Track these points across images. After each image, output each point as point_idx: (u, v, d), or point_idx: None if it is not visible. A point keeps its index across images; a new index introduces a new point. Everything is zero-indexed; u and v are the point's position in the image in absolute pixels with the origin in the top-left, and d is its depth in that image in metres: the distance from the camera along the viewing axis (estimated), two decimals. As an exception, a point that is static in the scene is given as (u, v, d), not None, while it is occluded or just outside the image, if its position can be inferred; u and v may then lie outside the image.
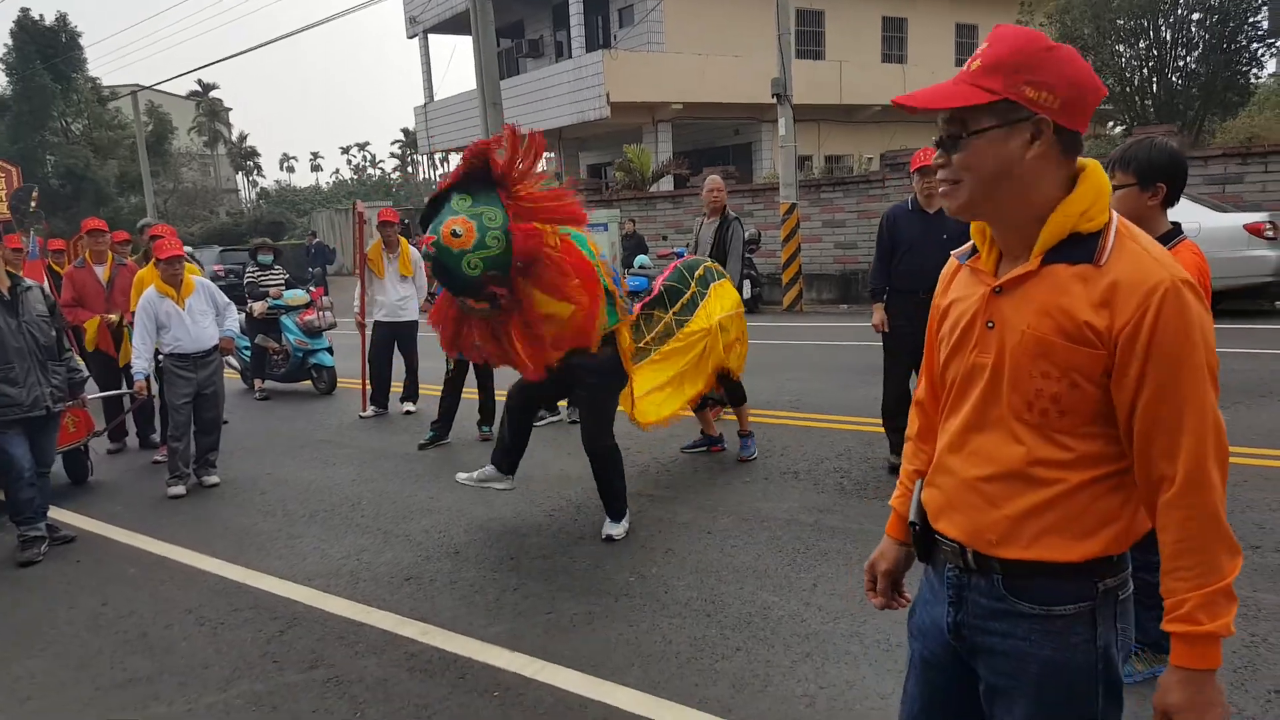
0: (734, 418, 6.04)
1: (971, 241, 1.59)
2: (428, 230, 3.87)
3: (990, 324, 1.49)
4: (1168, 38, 17.42)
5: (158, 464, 6.90)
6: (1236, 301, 10.82)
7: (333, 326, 9.70)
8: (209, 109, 59.17)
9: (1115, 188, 2.79)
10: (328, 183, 63.44)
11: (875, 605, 1.81)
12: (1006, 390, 1.47)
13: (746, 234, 7.64)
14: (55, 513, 5.52)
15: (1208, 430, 1.35)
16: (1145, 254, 1.37)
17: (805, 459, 5.75)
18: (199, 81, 59.51)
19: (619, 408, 4.82)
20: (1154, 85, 17.79)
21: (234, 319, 6.41)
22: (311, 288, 10.31)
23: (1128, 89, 17.98)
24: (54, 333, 5.18)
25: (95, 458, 6.78)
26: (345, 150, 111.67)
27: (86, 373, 6.44)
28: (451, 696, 3.13)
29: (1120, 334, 1.35)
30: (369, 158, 73.05)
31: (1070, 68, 1.39)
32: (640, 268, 15.58)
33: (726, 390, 5.94)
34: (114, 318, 7.07)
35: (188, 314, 5.98)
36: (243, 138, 66.60)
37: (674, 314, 5.56)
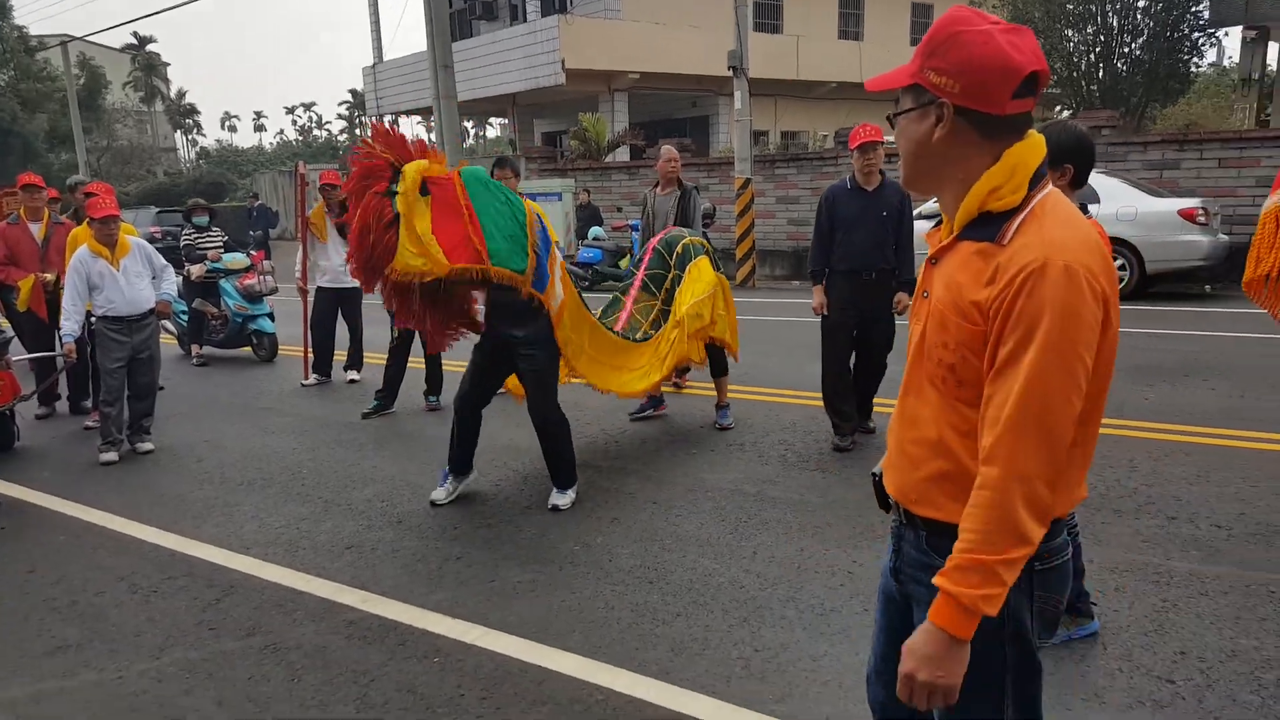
0: (686, 389, 6.06)
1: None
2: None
3: (925, 293, 1.56)
4: (1115, 24, 17.78)
5: (89, 430, 6.71)
6: (1169, 284, 11.18)
7: (274, 292, 9.48)
8: (145, 63, 57.03)
9: None
10: (272, 143, 61.75)
11: None
12: (925, 358, 1.54)
13: (703, 206, 7.63)
14: (-20, 478, 5.35)
15: (1029, 412, 1.35)
16: (1040, 235, 1.39)
17: (752, 431, 5.81)
18: (135, 34, 57.28)
19: (588, 380, 5.00)
20: (1100, 70, 18.15)
21: (172, 282, 6.23)
22: (252, 251, 10.06)
23: (1075, 73, 18.33)
24: None
25: (22, 423, 6.56)
26: (290, 110, 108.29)
27: (10, 333, 6.23)
28: (390, 663, 3.12)
29: (991, 308, 1.39)
30: (315, 119, 71.21)
31: (974, 51, 1.40)
32: (594, 239, 15.49)
33: (711, 360, 6.02)
34: (49, 277, 6.80)
35: (122, 275, 5.78)
36: (181, 94, 64.45)
37: (662, 304, 5.60)
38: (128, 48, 55.97)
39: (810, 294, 5.54)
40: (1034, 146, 1.45)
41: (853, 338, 5.38)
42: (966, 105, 1.42)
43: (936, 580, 1.42)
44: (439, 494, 4.76)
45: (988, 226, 1.44)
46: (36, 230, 6.96)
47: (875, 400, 5.66)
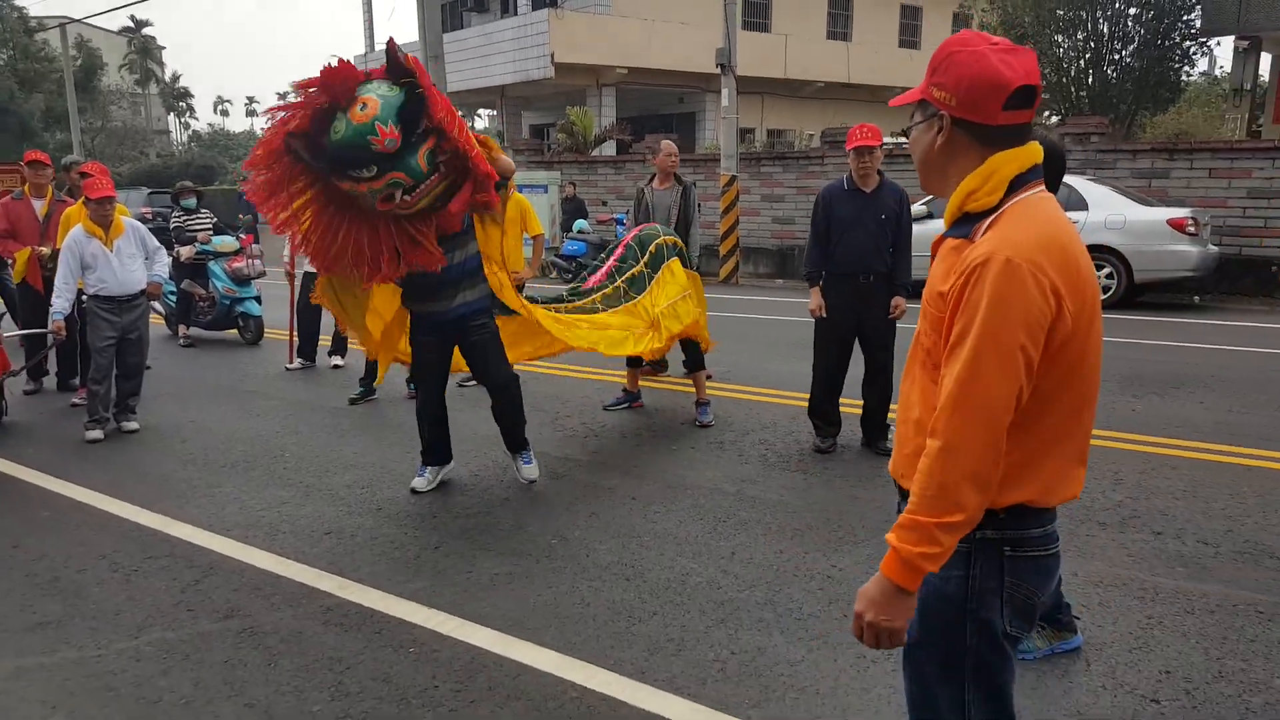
0: (663, 384, 6.08)
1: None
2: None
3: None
4: (1105, 30, 17.79)
5: (76, 407, 6.71)
6: (1157, 295, 11.19)
7: (262, 275, 9.49)
8: (141, 46, 56.67)
9: None
10: (263, 128, 61.48)
11: None
12: (915, 344, 1.72)
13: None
14: (-38, 454, 5.35)
15: (966, 391, 1.49)
16: (1000, 233, 1.53)
17: (732, 430, 5.85)
18: (132, 18, 56.89)
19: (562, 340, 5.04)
20: (1089, 77, 18.16)
21: (163, 264, 6.24)
22: (241, 235, 10.04)
23: (1064, 79, 18.34)
24: None
25: (11, 398, 6.56)
26: (282, 96, 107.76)
27: (2, 309, 6.23)
28: (366, 650, 3.16)
29: (949, 297, 1.55)
30: (308, 104, 70.92)
31: (969, 69, 1.55)
32: (579, 232, 15.50)
33: (686, 355, 6.10)
34: (46, 250, 6.79)
35: (115, 256, 5.82)
36: (175, 78, 64.00)
37: (624, 282, 5.61)
38: (124, 30, 55.62)
39: (803, 290, 5.53)
40: (1016, 155, 1.58)
41: (847, 342, 5.32)
42: (963, 117, 1.58)
43: (887, 536, 1.57)
44: (419, 482, 4.78)
45: (965, 225, 1.61)
46: (39, 207, 6.98)
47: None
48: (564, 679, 2.97)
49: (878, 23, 28.21)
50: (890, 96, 25.03)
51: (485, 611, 3.43)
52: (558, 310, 5.19)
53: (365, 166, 3.75)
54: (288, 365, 8.11)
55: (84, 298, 5.95)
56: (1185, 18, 17.61)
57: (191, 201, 9.58)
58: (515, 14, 24.25)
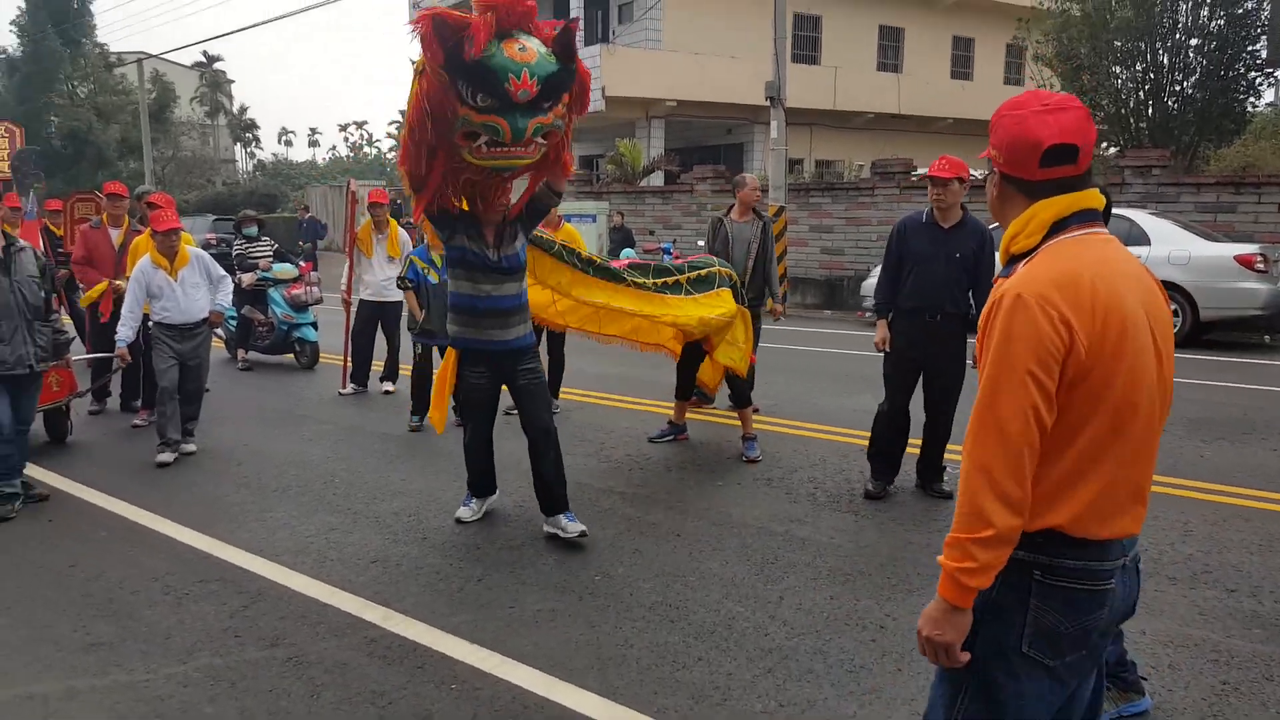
0: (701, 414, 6.11)
1: None
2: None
3: None
4: (1165, 61, 17.37)
5: (137, 428, 6.91)
6: (1225, 333, 10.75)
7: (319, 302, 9.69)
8: (212, 80, 58.76)
9: None
10: (324, 158, 63.03)
11: None
12: None
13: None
14: (32, 470, 5.52)
15: (985, 416, 1.64)
16: (1025, 271, 1.69)
17: (780, 466, 5.78)
18: (204, 53, 58.99)
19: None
20: (1149, 108, 17.73)
21: (227, 292, 6.39)
22: (300, 262, 10.30)
23: (1123, 111, 17.93)
24: (43, 294, 5.20)
25: (76, 418, 6.77)
26: (343, 128, 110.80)
27: (72, 334, 6.45)
28: (409, 686, 3.15)
29: (979, 331, 1.77)
30: (366, 136, 72.46)
31: (1010, 131, 1.74)
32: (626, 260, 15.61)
33: (732, 392, 6.08)
34: (122, 284, 7.00)
35: (179, 285, 6.01)
36: (243, 110, 66.06)
37: (654, 279, 5.60)
38: (197, 65, 57.73)
39: (852, 321, 5.43)
40: (1056, 201, 1.72)
41: (911, 381, 5.11)
42: (1008, 173, 1.78)
43: (938, 557, 1.70)
44: (465, 512, 4.78)
45: (1011, 265, 1.77)
46: (116, 236, 7.23)
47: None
48: (605, 723, 2.92)
49: (929, 54, 27.98)
50: (941, 127, 24.81)
51: (527, 649, 3.41)
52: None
53: (483, 94, 3.71)
54: (341, 390, 8.23)
55: (149, 323, 6.14)
56: (1250, 48, 17.17)
57: (253, 229, 9.87)
58: (570, 49, 24.61)
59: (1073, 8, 17.78)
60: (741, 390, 6.02)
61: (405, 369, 8.06)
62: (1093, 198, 1.72)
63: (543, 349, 6.92)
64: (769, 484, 5.44)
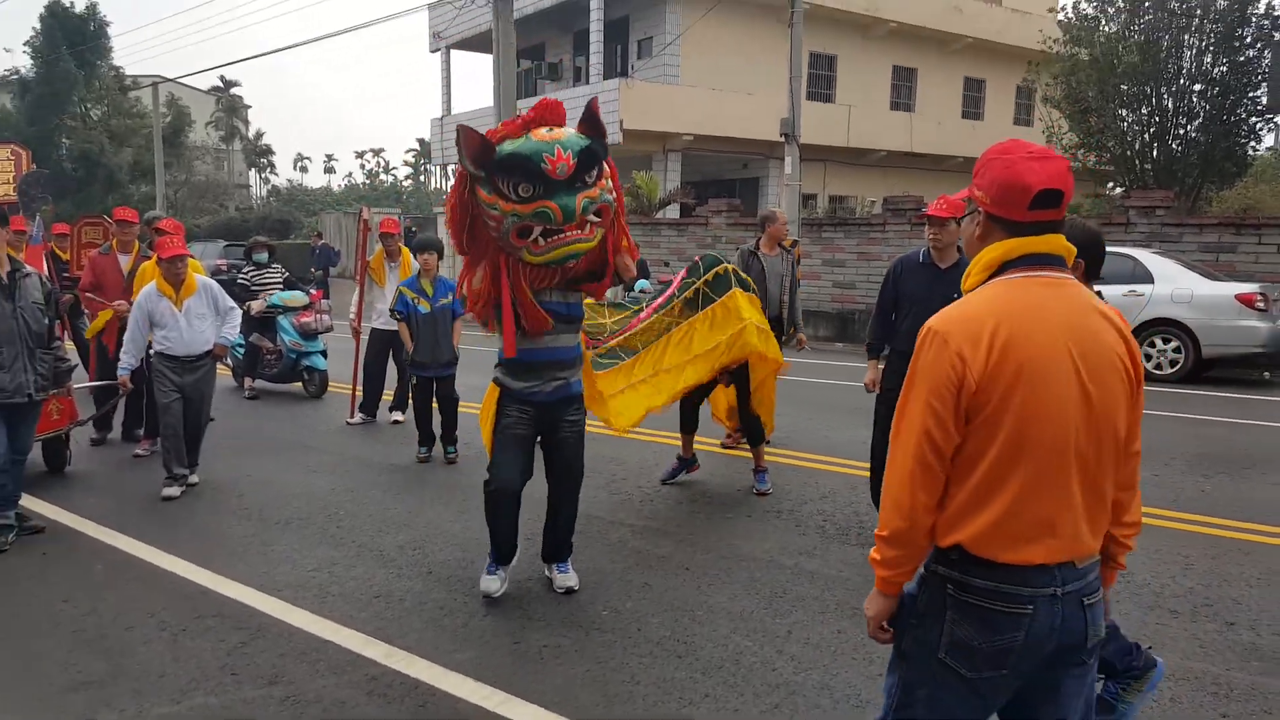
0: (710, 445, 6.00)
1: None
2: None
3: None
4: (1169, 105, 17.72)
5: (139, 458, 6.84)
6: (1226, 370, 10.87)
7: (329, 330, 9.66)
8: (228, 105, 59.40)
9: None
10: (340, 185, 63.58)
11: None
12: None
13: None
14: (29, 501, 5.44)
15: (894, 438, 1.89)
16: (946, 309, 1.90)
17: (789, 499, 5.68)
18: (221, 77, 59.68)
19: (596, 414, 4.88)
20: (1154, 150, 18.04)
21: (234, 325, 6.19)
22: (311, 289, 10.28)
23: (1128, 152, 18.22)
24: (47, 321, 5.11)
25: (76, 447, 6.70)
26: (360, 155, 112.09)
27: (74, 362, 6.39)
28: (409, 725, 3.06)
29: None
30: (382, 164, 73.04)
31: (998, 174, 1.87)
32: (641, 291, 15.57)
33: (744, 427, 5.97)
34: (125, 306, 6.95)
35: (184, 315, 5.84)
36: (259, 135, 66.87)
37: (677, 316, 5.54)
38: (214, 89, 58.36)
39: (863, 356, 5.23)
40: (1000, 246, 1.88)
41: None
42: (995, 213, 1.89)
43: None
44: (492, 584, 4.13)
45: None
46: (125, 262, 7.12)
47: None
48: (611, 766, 2.83)
49: (941, 95, 28.25)
50: (952, 165, 25.23)
51: (532, 687, 3.31)
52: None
53: (524, 184, 3.62)
54: (348, 420, 8.19)
55: (152, 352, 6.03)
56: (1251, 94, 17.44)
57: (264, 256, 9.86)
58: (587, 83, 24.83)
59: (1081, 52, 18.09)
60: (755, 429, 5.88)
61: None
62: (1047, 243, 1.85)
63: None
64: (778, 516, 5.34)
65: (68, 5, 34.84)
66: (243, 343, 9.57)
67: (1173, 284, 10.41)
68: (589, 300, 4.52)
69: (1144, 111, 17.85)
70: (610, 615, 3.96)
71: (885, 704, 2.01)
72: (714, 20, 22.24)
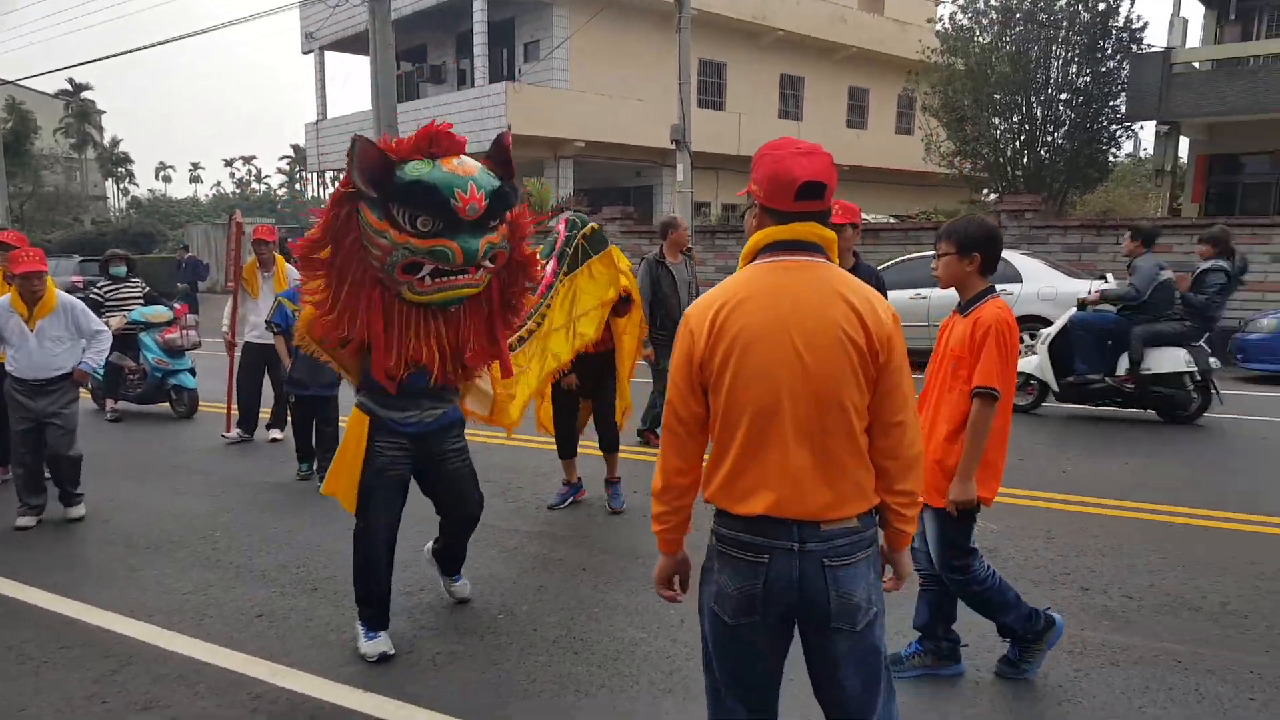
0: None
1: None
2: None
3: None
4: (1038, 114, 18.72)
5: (5, 483, 6.33)
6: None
7: (196, 346, 9.20)
8: (79, 110, 55.89)
9: (939, 255, 3.20)
10: (208, 195, 60.83)
11: None
12: None
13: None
14: None
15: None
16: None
17: (682, 499, 5.73)
18: (70, 81, 56.18)
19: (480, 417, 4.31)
20: (1024, 157, 19.04)
21: (100, 350, 5.65)
22: (175, 305, 9.75)
23: (1001, 159, 19.17)
24: None
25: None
26: (229, 163, 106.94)
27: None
28: (297, 741, 2.95)
29: None
30: (254, 172, 70.17)
31: (768, 169, 2.02)
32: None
33: (600, 433, 5.54)
34: None
35: (34, 336, 5.35)
36: (115, 142, 63.23)
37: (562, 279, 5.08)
38: (62, 93, 54.85)
39: None
40: (762, 233, 2.05)
41: None
42: (767, 205, 2.04)
43: None
44: (373, 646, 3.57)
45: None
46: None
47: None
48: (510, 767, 2.80)
49: (827, 103, 29.06)
50: (839, 174, 26.42)
51: (427, 693, 3.26)
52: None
53: (425, 217, 3.17)
54: (224, 434, 7.84)
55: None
56: (1112, 103, 18.63)
57: (121, 269, 9.26)
58: (472, 86, 24.51)
59: (957, 62, 18.91)
60: (611, 434, 5.56)
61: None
62: (794, 230, 2.00)
63: None
64: (671, 516, 5.38)
65: None
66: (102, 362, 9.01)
67: (1039, 282, 10.98)
68: None
69: (1015, 120, 18.81)
70: (506, 619, 3.93)
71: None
72: (603, 25, 22.26)
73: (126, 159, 63.95)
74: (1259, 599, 4.04)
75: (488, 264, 3.40)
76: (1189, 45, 17.04)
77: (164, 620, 3.98)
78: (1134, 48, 18.31)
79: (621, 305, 5.31)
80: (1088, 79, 18.44)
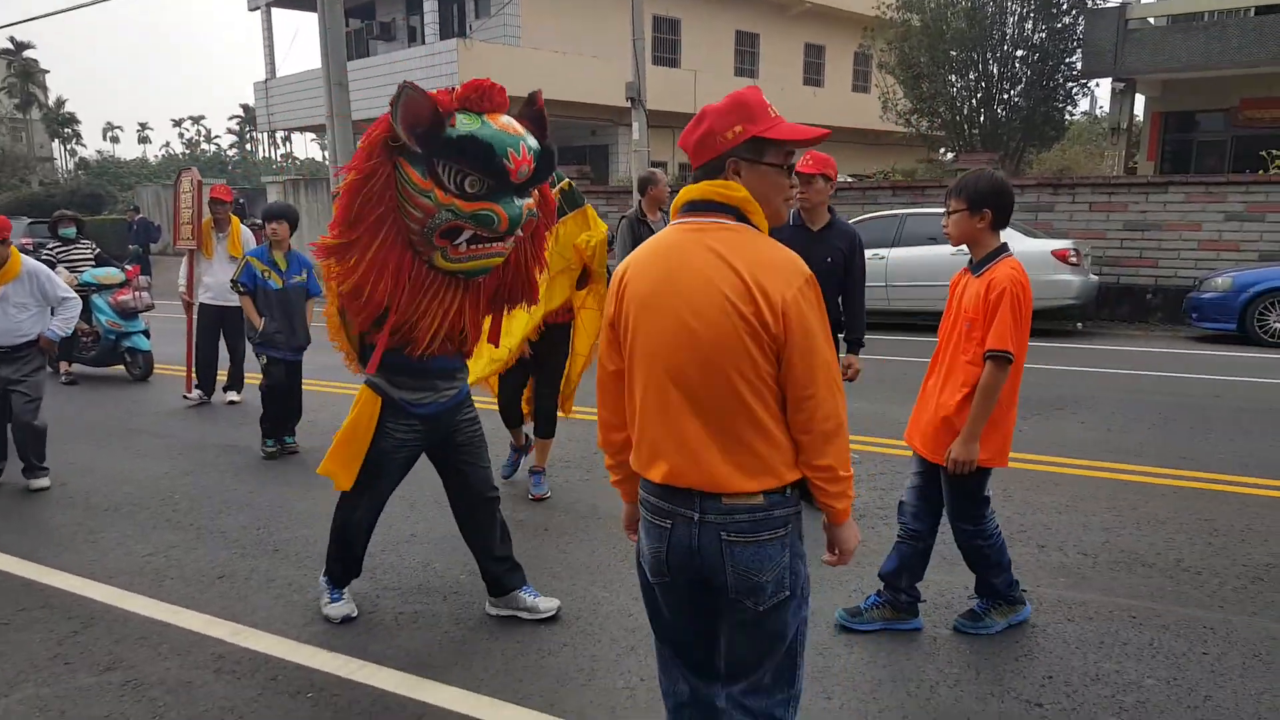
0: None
1: None
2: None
3: None
4: (995, 71, 18.70)
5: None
6: (1043, 321, 11.76)
7: (150, 308, 9.06)
8: (22, 69, 54.05)
9: (950, 212, 3.11)
10: (157, 156, 59.27)
11: None
12: None
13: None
14: None
15: None
16: None
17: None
18: (11, 39, 54.24)
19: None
20: (981, 116, 19.02)
21: (68, 317, 5.55)
22: (127, 266, 9.58)
23: (957, 117, 19.16)
24: None
25: None
26: (178, 123, 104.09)
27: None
28: (261, 698, 2.99)
29: None
30: (204, 133, 68.46)
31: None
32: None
33: (537, 417, 5.16)
34: None
35: None
36: (60, 103, 61.27)
37: None
38: (3, 53, 52.95)
39: None
40: (684, 191, 1.97)
41: None
42: (691, 163, 2.00)
43: None
44: (337, 609, 3.56)
45: None
46: None
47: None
48: (470, 716, 2.87)
49: (783, 61, 28.81)
50: None
51: (388, 652, 3.30)
52: None
53: (474, 177, 2.95)
54: (185, 395, 7.76)
55: None
56: (1067, 60, 18.64)
57: (70, 230, 9.07)
58: (423, 43, 24.02)
59: (913, 18, 18.77)
60: (549, 416, 5.13)
61: (253, 377, 7.63)
62: (705, 189, 1.92)
63: None
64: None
65: None
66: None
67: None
68: None
69: (971, 77, 18.77)
70: (468, 579, 3.97)
71: None
72: (555, -22, 21.77)
73: (73, 119, 62.08)
74: (1212, 555, 4.11)
75: (519, 232, 3.17)
76: (1144, 1, 17.15)
77: (125, 582, 3.99)
78: (1089, 3, 18.34)
79: (581, 278, 4.86)
80: (1044, 35, 18.43)
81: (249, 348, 7.00)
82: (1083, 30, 17.84)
